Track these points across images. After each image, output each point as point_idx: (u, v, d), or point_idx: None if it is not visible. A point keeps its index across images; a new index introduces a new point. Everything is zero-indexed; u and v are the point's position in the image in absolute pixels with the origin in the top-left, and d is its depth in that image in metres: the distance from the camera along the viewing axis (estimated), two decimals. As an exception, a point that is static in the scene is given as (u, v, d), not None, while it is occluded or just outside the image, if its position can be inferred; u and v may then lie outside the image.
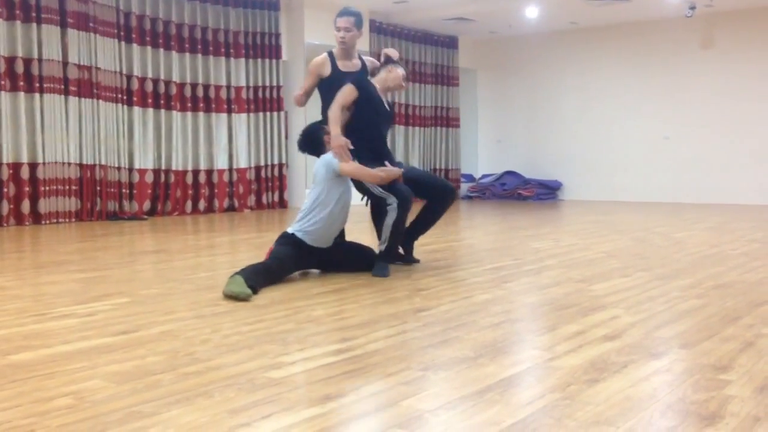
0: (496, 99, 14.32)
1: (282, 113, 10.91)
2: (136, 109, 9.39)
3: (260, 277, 4.05)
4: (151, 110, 9.52)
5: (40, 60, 8.32)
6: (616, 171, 12.90)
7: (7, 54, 8.10)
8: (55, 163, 8.46)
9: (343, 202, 4.59)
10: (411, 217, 4.86)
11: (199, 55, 10.00)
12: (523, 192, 13.22)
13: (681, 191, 12.26)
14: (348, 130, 4.68)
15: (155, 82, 9.57)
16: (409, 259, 5.07)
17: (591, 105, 13.15)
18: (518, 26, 12.84)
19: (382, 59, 5.06)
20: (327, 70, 4.95)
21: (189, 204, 9.94)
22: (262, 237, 6.95)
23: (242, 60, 10.45)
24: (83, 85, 8.74)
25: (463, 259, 5.53)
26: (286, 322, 3.31)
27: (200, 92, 10.04)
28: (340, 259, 4.70)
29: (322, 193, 4.51)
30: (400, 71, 4.91)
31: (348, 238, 5.02)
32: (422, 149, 13.17)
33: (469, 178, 14.32)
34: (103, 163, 8.97)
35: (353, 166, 4.55)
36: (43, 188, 8.30)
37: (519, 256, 5.58)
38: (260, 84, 10.68)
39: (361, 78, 4.86)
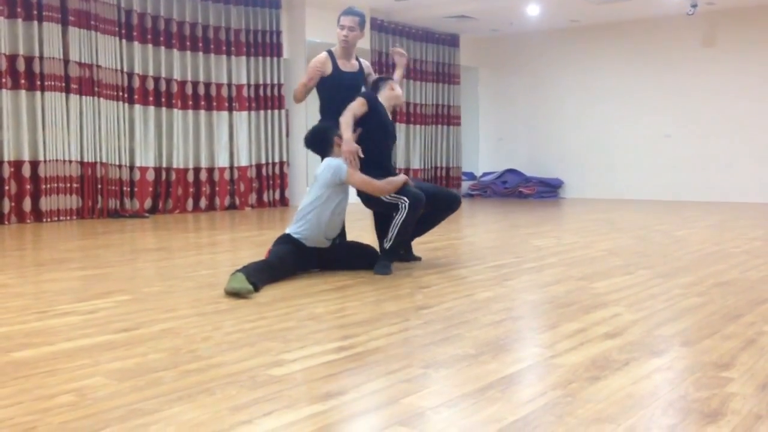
0: (497, 97, 14.31)
1: (283, 111, 10.91)
2: (138, 107, 9.39)
3: (262, 275, 4.06)
4: (152, 108, 9.52)
5: (41, 58, 8.33)
6: (617, 169, 12.89)
7: (9, 52, 8.10)
8: (57, 160, 8.46)
9: (341, 208, 4.60)
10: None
11: (200, 53, 10.00)
12: (525, 190, 13.20)
13: (682, 189, 12.25)
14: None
15: (156, 79, 9.57)
16: (409, 257, 5.08)
17: (592, 103, 13.14)
18: (519, 24, 12.84)
19: (393, 58, 5.33)
20: (328, 69, 4.96)
21: (190, 202, 9.95)
22: (263, 235, 6.95)
23: (243, 58, 10.45)
24: (84, 83, 8.74)
25: (465, 257, 5.53)
26: (288, 320, 3.31)
27: (201, 90, 10.05)
28: (341, 257, 4.70)
29: (321, 197, 4.50)
30: (399, 90, 5.05)
31: (348, 237, 5.02)
32: (423, 147, 13.16)
33: (470, 176, 14.31)
34: (104, 160, 8.97)
35: (361, 179, 4.55)
36: (44, 186, 8.31)
37: (520, 254, 5.58)
38: (261, 82, 10.67)
39: (371, 97, 4.88)
